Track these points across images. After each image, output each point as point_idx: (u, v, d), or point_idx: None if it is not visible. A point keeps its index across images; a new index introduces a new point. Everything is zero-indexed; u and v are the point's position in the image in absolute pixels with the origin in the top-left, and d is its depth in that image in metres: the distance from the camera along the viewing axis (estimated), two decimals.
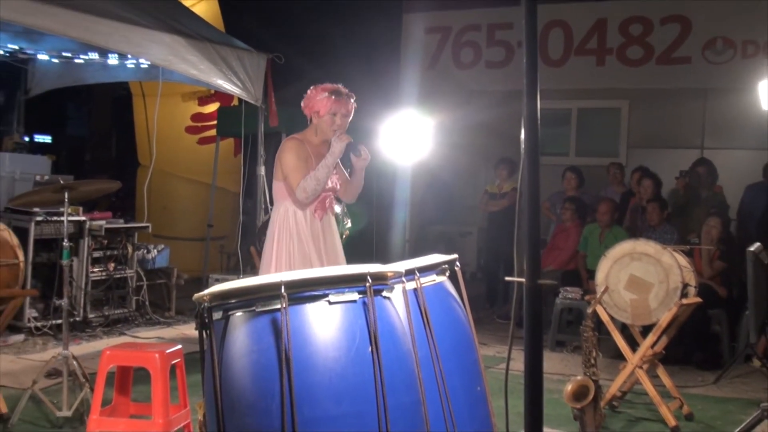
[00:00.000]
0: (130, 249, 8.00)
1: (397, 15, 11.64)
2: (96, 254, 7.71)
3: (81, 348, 6.81)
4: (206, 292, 2.70)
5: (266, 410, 2.56)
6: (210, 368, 2.67)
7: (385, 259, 3.51)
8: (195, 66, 6.94)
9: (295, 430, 2.51)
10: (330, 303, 2.65)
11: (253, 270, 7.71)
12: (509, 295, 8.78)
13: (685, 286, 5.20)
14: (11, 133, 9.89)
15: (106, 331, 7.59)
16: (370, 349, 2.63)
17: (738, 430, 4.45)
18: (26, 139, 10.77)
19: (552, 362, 6.84)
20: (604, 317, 5.31)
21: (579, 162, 9.95)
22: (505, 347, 7.24)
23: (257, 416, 2.58)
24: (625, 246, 5.34)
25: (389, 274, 2.80)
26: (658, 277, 5.16)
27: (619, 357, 5.63)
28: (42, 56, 8.71)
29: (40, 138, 18.40)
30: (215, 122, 10.14)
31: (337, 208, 4.82)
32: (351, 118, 4.54)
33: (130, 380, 4.42)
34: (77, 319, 7.47)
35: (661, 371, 5.43)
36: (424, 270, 3.21)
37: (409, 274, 3.07)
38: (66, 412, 4.69)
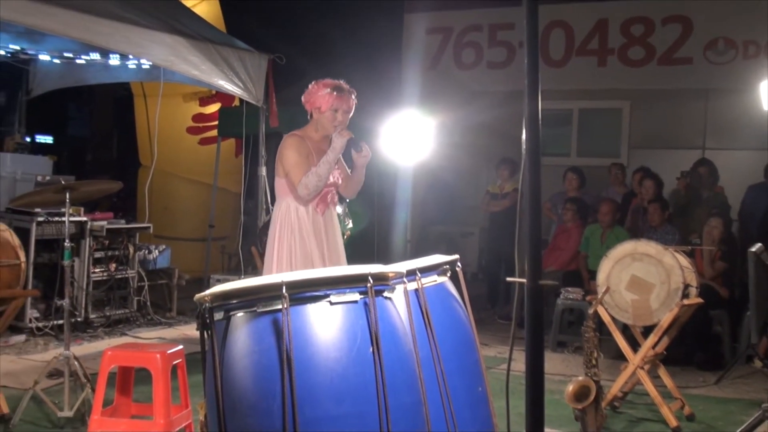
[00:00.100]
0: (131, 249, 8.00)
1: (399, 15, 11.64)
2: (97, 255, 7.71)
3: (82, 348, 6.81)
4: (207, 292, 2.70)
5: (267, 410, 2.56)
6: (211, 369, 2.67)
7: (386, 260, 3.51)
8: (196, 66, 6.94)
9: (297, 430, 2.51)
10: (331, 303, 2.65)
11: (255, 270, 7.71)
12: (510, 295, 8.77)
13: (687, 286, 5.20)
14: (13, 134, 9.90)
15: (108, 331, 7.59)
16: (371, 349, 2.63)
17: (739, 430, 4.44)
18: (28, 139, 10.79)
19: (553, 363, 6.85)
20: (606, 318, 5.31)
21: (580, 162, 9.95)
22: (506, 348, 7.23)
23: (258, 416, 2.58)
24: (627, 246, 5.34)
25: (390, 274, 2.80)
26: (660, 277, 5.16)
27: (621, 357, 5.63)
28: (43, 57, 8.71)
29: (41, 138, 18.41)
30: (216, 123, 10.13)
31: (339, 209, 4.82)
32: (352, 114, 4.55)
33: (131, 381, 4.42)
34: (78, 319, 7.47)
35: (662, 372, 5.43)
36: (426, 270, 3.21)
37: (411, 274, 3.07)
38: (67, 413, 4.69)
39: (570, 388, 4.36)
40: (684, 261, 5.34)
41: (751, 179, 8.58)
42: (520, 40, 10.28)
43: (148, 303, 8.22)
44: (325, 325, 2.64)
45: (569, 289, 7.61)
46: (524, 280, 2.45)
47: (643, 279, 5.20)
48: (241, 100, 7.94)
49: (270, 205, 7.39)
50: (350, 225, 5.83)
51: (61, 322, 6.54)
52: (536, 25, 2.47)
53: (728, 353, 7.01)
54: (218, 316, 2.69)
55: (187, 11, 8.27)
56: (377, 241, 9.39)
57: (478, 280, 10.20)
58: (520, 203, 2.50)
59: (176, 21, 6.99)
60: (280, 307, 2.58)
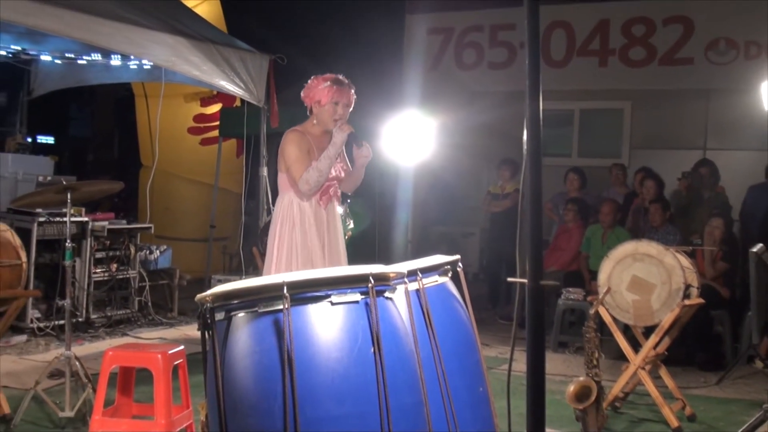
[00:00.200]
0: (132, 250, 8.00)
1: (400, 16, 11.63)
2: (98, 255, 7.71)
3: (83, 349, 6.82)
4: (209, 292, 2.70)
5: (269, 411, 2.56)
6: (212, 369, 2.67)
7: (387, 260, 3.52)
8: (197, 67, 6.94)
9: (298, 430, 2.51)
10: (332, 304, 2.65)
11: (256, 271, 7.71)
12: (511, 295, 8.77)
13: (688, 287, 5.20)
14: (14, 134, 9.91)
15: (109, 331, 7.60)
16: (372, 349, 2.63)
17: (740, 431, 4.44)
18: (29, 139, 10.81)
19: (554, 363, 6.84)
20: (607, 318, 5.31)
21: (581, 163, 9.94)
22: (507, 348, 7.23)
23: (259, 417, 2.58)
24: (628, 247, 5.34)
25: (391, 274, 2.80)
26: (661, 278, 5.16)
27: (622, 358, 5.63)
28: (45, 57, 8.72)
29: (42, 139, 18.41)
30: (218, 123, 10.14)
31: (340, 209, 4.82)
32: (351, 108, 4.56)
33: (132, 381, 4.42)
34: (80, 319, 7.48)
35: (663, 372, 5.43)
36: (427, 271, 3.21)
37: (412, 274, 3.07)
38: (69, 413, 4.70)
39: (571, 388, 4.36)
40: (685, 261, 5.33)
41: (752, 179, 8.57)
42: (521, 41, 10.27)
43: (149, 303, 8.22)
44: (327, 325, 2.64)
45: (570, 289, 7.61)
46: (525, 281, 2.45)
47: (644, 279, 5.20)
48: (243, 101, 7.94)
49: (271, 206, 7.39)
50: (351, 225, 5.84)
51: (62, 322, 6.55)
52: (537, 26, 2.47)
53: (729, 354, 7.01)
54: (219, 316, 2.69)
55: (189, 12, 8.27)
56: (378, 242, 9.39)
57: (479, 281, 10.20)
58: (522, 204, 2.50)
59: (177, 21, 6.99)
60: (281, 307, 2.58)
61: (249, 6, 12.44)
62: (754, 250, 4.60)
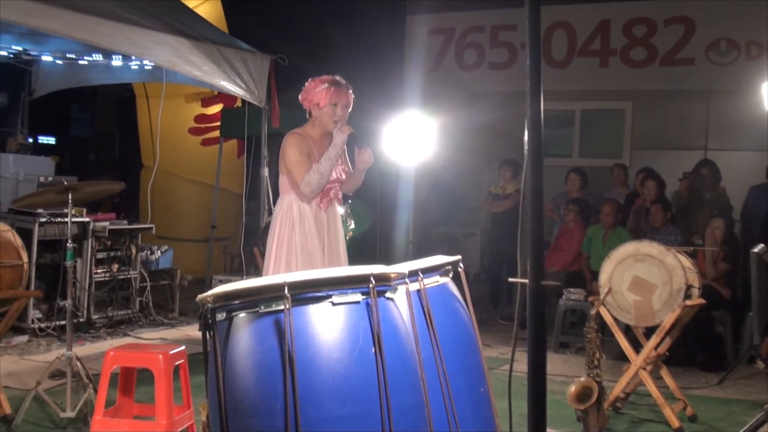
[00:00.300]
0: (133, 250, 8.00)
1: (401, 16, 11.64)
2: (100, 255, 7.71)
3: (85, 349, 6.82)
4: (210, 293, 2.70)
5: (270, 411, 2.56)
6: (213, 369, 2.67)
7: (388, 260, 3.52)
8: (198, 67, 6.94)
9: (299, 430, 2.51)
10: (333, 304, 2.65)
11: (257, 271, 7.71)
12: (513, 296, 8.77)
13: (689, 287, 5.20)
14: (15, 135, 9.92)
15: (110, 332, 7.59)
16: (373, 350, 2.63)
17: (742, 431, 4.44)
18: (30, 140, 10.82)
19: (555, 363, 6.84)
20: (608, 319, 5.31)
21: (582, 163, 9.94)
22: (508, 348, 7.23)
23: (261, 417, 2.58)
24: (629, 247, 5.34)
25: (392, 275, 2.80)
26: (662, 278, 5.15)
27: (623, 358, 5.63)
28: (46, 58, 8.72)
29: (43, 139, 18.42)
30: (219, 123, 10.14)
31: (341, 210, 4.82)
32: (350, 109, 4.55)
33: (133, 381, 4.42)
34: (81, 320, 7.47)
35: (664, 373, 5.43)
36: (428, 271, 3.21)
37: (413, 275, 3.06)
38: (70, 413, 4.69)
39: (572, 388, 4.35)
40: (686, 262, 5.33)
41: (754, 180, 8.57)
42: (522, 41, 10.27)
43: (151, 304, 8.22)
44: (328, 325, 2.64)
45: (571, 289, 7.61)
46: (526, 281, 2.45)
47: (645, 280, 5.19)
48: (243, 101, 7.94)
49: (272, 206, 7.39)
50: (352, 226, 5.84)
51: (63, 322, 6.54)
52: (538, 26, 2.48)
53: (730, 354, 7.01)
54: (220, 316, 2.69)
55: (190, 12, 8.27)
56: (379, 242, 9.39)
57: (480, 281, 10.20)
58: (523, 204, 2.50)
59: (178, 22, 7.00)
60: (282, 307, 2.58)
61: (250, 6, 12.44)
62: (756, 250, 4.59)
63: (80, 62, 8.62)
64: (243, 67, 7.33)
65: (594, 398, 4.29)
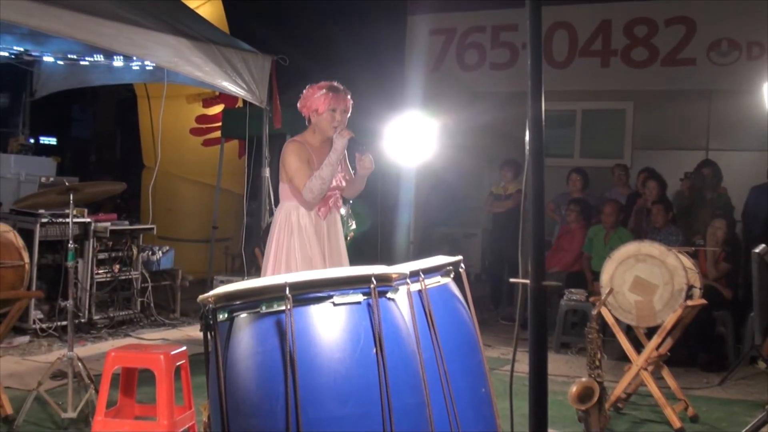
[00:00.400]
0: (134, 250, 8.00)
1: (402, 17, 11.63)
2: (101, 256, 7.71)
3: (86, 349, 6.82)
4: (211, 293, 2.70)
5: (271, 411, 2.55)
6: (215, 370, 2.67)
7: (389, 261, 3.52)
8: (200, 68, 6.94)
9: (300, 431, 2.51)
10: (334, 304, 2.65)
11: (258, 271, 7.69)
12: (514, 296, 8.77)
13: (690, 287, 5.19)
14: (17, 135, 9.92)
15: (111, 332, 7.59)
16: (374, 350, 2.62)
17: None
18: (31, 140, 10.81)
19: (557, 364, 6.84)
20: (609, 319, 5.30)
21: (584, 163, 9.93)
22: (509, 349, 7.23)
23: (262, 417, 2.58)
24: (630, 247, 5.33)
25: (394, 275, 2.80)
26: (663, 278, 5.15)
27: (624, 359, 5.62)
28: (47, 58, 8.73)
29: (45, 140, 18.42)
30: (220, 124, 10.14)
31: (342, 210, 4.82)
32: (349, 114, 4.55)
33: (135, 382, 4.42)
34: (82, 320, 7.48)
35: (665, 373, 5.42)
36: (429, 271, 3.21)
37: (414, 275, 3.06)
38: (71, 414, 4.69)
39: (573, 389, 4.36)
40: (687, 262, 5.33)
41: (755, 180, 8.56)
42: (523, 41, 10.27)
43: (152, 304, 8.22)
44: (329, 326, 2.63)
45: (572, 290, 7.60)
46: (527, 281, 2.44)
47: (646, 280, 5.19)
48: (245, 102, 7.94)
49: (273, 207, 7.39)
50: (353, 226, 5.83)
51: (64, 323, 6.54)
52: (539, 26, 2.47)
53: (732, 354, 7.00)
54: (222, 317, 2.69)
55: (191, 13, 8.27)
56: (380, 242, 9.38)
57: (481, 281, 10.19)
58: (524, 204, 2.50)
59: (180, 22, 7.00)
60: (283, 308, 2.58)
61: (251, 7, 12.43)
62: (757, 250, 4.59)
63: (81, 63, 8.63)
64: (244, 68, 7.33)
65: (595, 399, 4.29)
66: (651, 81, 10.18)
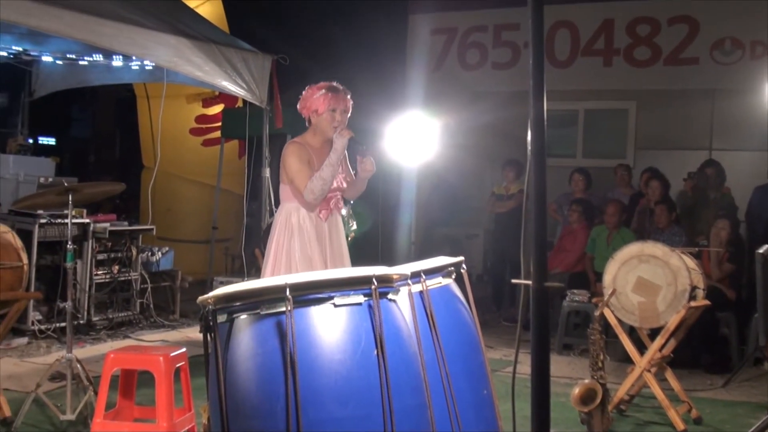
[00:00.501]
0: (134, 251, 7.99)
1: (403, 16, 11.63)
2: (100, 257, 7.69)
3: (85, 351, 6.81)
4: (211, 294, 2.69)
5: (271, 413, 2.55)
6: (214, 371, 2.66)
7: (390, 262, 3.50)
8: (200, 67, 6.93)
9: None
10: (335, 305, 2.64)
11: (258, 272, 7.68)
12: (516, 297, 8.75)
13: (694, 288, 5.17)
14: (15, 135, 9.92)
15: (110, 334, 7.58)
16: (375, 351, 2.61)
17: None
18: (30, 141, 10.81)
19: (559, 365, 6.82)
20: (612, 320, 5.28)
21: (586, 163, 9.92)
22: (511, 350, 7.20)
23: (262, 419, 2.58)
24: (633, 248, 5.31)
25: (395, 276, 2.79)
26: (666, 279, 5.13)
27: (627, 360, 5.61)
28: (46, 58, 8.72)
29: (44, 140, 18.45)
30: (220, 124, 10.13)
31: (343, 211, 4.80)
32: (349, 114, 4.54)
33: (134, 383, 4.41)
34: (81, 322, 7.46)
35: (669, 374, 5.40)
36: (430, 272, 3.20)
37: (415, 276, 3.05)
38: (70, 416, 4.67)
39: (576, 391, 4.33)
40: (691, 263, 5.30)
41: (758, 180, 8.54)
42: (525, 41, 10.25)
43: (151, 305, 8.20)
44: (329, 327, 2.63)
45: (575, 291, 7.57)
46: (530, 282, 2.43)
47: (649, 281, 5.17)
48: (245, 102, 7.92)
49: (273, 207, 7.37)
50: (354, 227, 5.80)
51: (63, 324, 6.52)
52: (541, 26, 2.45)
53: (735, 356, 6.98)
54: (221, 318, 2.69)
55: (190, 12, 8.26)
56: (381, 243, 9.37)
57: (483, 282, 10.18)
58: (526, 204, 2.48)
59: (179, 22, 6.98)
60: (283, 309, 2.57)
61: (251, 7, 12.43)
62: (761, 251, 4.57)
63: (80, 63, 8.62)
64: (244, 68, 7.31)
65: (598, 400, 4.27)
66: (654, 80, 10.16)
